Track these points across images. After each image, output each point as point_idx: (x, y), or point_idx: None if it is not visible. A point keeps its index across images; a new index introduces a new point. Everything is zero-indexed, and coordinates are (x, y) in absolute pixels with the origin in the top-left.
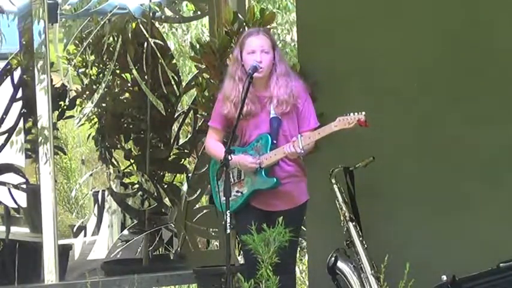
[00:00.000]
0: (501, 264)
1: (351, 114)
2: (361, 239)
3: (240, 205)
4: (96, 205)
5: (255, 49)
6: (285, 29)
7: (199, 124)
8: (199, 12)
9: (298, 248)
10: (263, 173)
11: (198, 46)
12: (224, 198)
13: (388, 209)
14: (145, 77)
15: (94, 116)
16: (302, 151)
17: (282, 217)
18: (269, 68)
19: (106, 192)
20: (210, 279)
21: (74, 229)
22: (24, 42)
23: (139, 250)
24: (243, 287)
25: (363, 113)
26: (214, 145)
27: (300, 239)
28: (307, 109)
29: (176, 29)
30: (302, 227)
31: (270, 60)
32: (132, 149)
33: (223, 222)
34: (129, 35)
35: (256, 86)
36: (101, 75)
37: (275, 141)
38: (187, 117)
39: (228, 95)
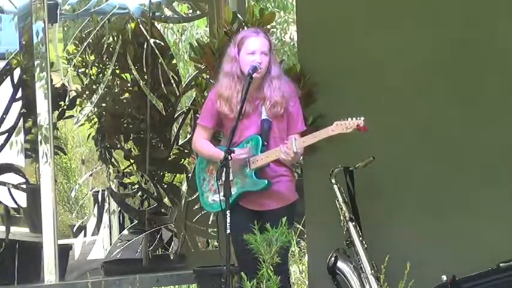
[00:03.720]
0: (501, 264)
1: (349, 119)
2: (361, 239)
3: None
4: (96, 205)
5: (255, 50)
6: (283, 28)
7: None
8: (199, 12)
9: (298, 249)
10: (253, 174)
11: (197, 46)
12: (216, 197)
13: (388, 209)
14: (145, 77)
15: (94, 116)
16: (300, 155)
17: (286, 218)
18: (266, 69)
19: (106, 192)
20: (210, 279)
21: (74, 229)
22: (24, 42)
23: (139, 250)
24: (245, 286)
25: (362, 118)
26: (204, 144)
27: (299, 239)
28: (296, 112)
29: (172, 29)
30: (301, 227)
31: (268, 62)
32: (132, 149)
33: (209, 222)
34: (129, 35)
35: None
36: (100, 75)
37: (266, 143)
38: (187, 117)
39: (225, 93)
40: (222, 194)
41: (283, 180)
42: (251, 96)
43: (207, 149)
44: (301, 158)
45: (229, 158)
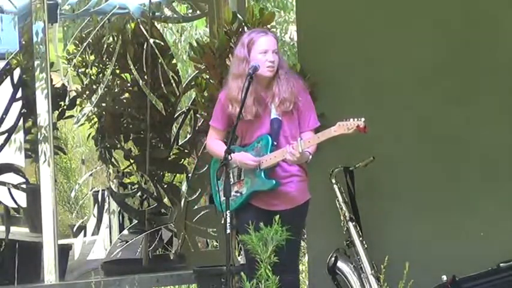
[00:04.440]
0: (501, 264)
1: (351, 119)
2: (361, 239)
3: (239, 205)
4: (96, 205)
5: (268, 49)
6: (283, 28)
7: (199, 124)
8: (198, 12)
9: None
10: (262, 174)
11: (197, 46)
12: (223, 198)
13: (388, 209)
14: (145, 77)
15: (94, 116)
16: (309, 154)
17: (279, 216)
18: (276, 67)
19: (106, 192)
20: (210, 279)
21: (74, 229)
22: (24, 42)
23: (139, 250)
24: (245, 286)
25: (362, 119)
26: (215, 144)
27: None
28: (307, 109)
29: (171, 30)
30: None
31: (278, 61)
32: (132, 149)
33: (222, 222)
34: (129, 35)
35: (257, 86)
36: (100, 75)
37: (275, 143)
38: (187, 117)
39: (236, 95)
40: (232, 193)
41: (294, 180)
42: (260, 97)
43: (219, 150)
44: (311, 157)
45: (229, 158)
